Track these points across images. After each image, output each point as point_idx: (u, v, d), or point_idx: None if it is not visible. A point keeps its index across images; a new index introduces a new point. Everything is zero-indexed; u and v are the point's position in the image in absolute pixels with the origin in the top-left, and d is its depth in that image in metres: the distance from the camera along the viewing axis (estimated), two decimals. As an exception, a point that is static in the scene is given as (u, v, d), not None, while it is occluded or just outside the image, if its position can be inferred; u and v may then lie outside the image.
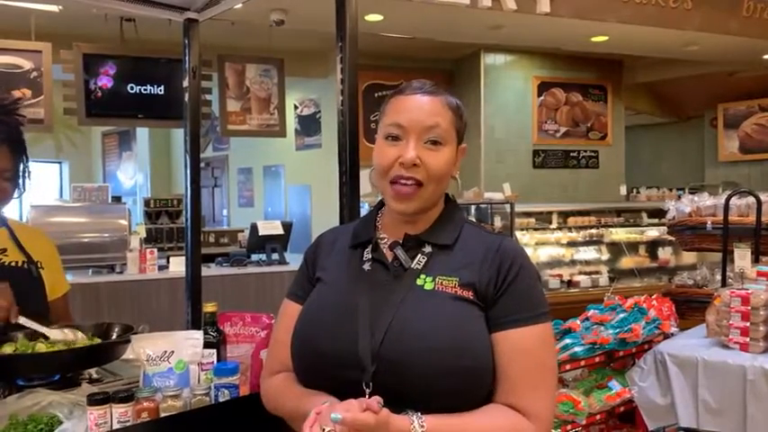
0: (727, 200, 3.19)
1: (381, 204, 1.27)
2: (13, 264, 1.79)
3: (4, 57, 4.72)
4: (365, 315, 1.11)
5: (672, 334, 2.81)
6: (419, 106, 1.15)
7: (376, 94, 6.85)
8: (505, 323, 1.12)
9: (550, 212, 5.95)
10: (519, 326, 1.11)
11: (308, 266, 1.28)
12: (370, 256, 1.20)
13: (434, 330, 1.08)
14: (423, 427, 1.00)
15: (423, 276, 1.14)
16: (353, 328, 1.10)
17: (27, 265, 1.81)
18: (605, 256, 6.01)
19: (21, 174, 1.80)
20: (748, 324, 2.42)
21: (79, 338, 1.63)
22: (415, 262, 1.16)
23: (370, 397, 1.05)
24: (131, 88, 5.20)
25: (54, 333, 1.62)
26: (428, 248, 1.18)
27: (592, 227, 5.98)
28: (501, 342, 1.11)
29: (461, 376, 1.06)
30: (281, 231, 5.53)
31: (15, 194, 1.81)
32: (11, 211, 1.90)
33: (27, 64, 4.78)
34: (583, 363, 2.59)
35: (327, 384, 1.11)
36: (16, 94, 4.69)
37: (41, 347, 1.59)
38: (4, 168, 1.75)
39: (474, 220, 5.66)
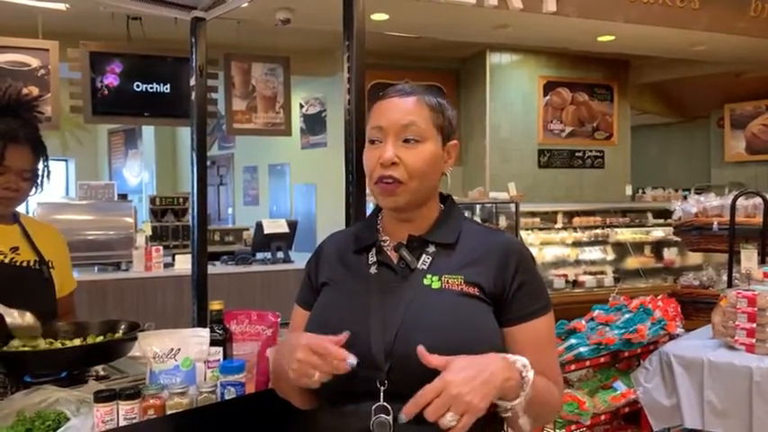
0: (734, 200, 3.19)
1: (381, 207, 1.29)
2: (24, 263, 1.79)
3: (11, 55, 4.75)
4: (376, 316, 1.13)
5: (677, 335, 2.80)
6: (395, 107, 1.19)
7: (381, 93, 6.84)
8: (522, 317, 1.17)
9: (555, 212, 5.94)
10: (534, 317, 1.18)
11: (311, 277, 1.30)
12: (375, 259, 1.22)
13: (444, 327, 1.10)
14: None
15: (429, 276, 1.17)
16: (366, 329, 1.12)
17: (39, 265, 1.81)
18: (610, 256, 5.99)
19: (41, 173, 1.80)
20: (754, 325, 2.41)
21: (33, 324, 1.61)
22: (420, 262, 1.19)
23: (384, 395, 1.08)
24: (137, 86, 5.22)
25: (10, 314, 1.60)
26: (432, 248, 1.20)
27: (597, 227, 5.97)
28: (520, 334, 1.17)
29: None
30: (286, 230, 5.53)
31: (32, 192, 1.82)
32: (19, 207, 1.91)
33: (34, 62, 4.80)
34: (588, 363, 2.59)
35: (342, 384, 1.12)
36: (29, 92, 4.72)
37: (48, 345, 1.60)
38: (25, 168, 1.75)
39: (479, 219, 5.66)
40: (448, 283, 1.15)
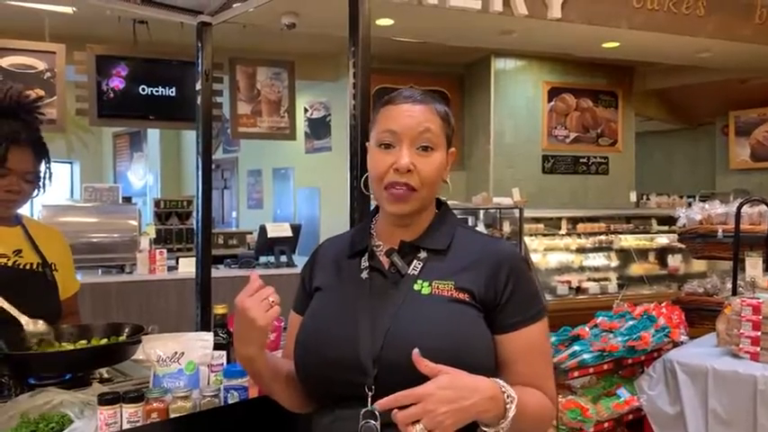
0: (739, 208, 3.17)
1: (375, 212, 1.30)
2: (28, 266, 1.79)
3: (18, 57, 4.77)
4: (365, 321, 1.14)
5: (681, 342, 2.79)
6: (410, 114, 1.18)
7: (387, 98, 6.83)
8: (513, 324, 1.16)
9: (560, 218, 5.93)
10: (526, 325, 1.17)
11: (305, 282, 1.31)
12: (367, 265, 1.22)
13: (432, 332, 1.10)
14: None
15: (420, 282, 1.17)
16: (355, 334, 1.13)
17: (42, 267, 1.81)
18: (614, 262, 5.98)
19: (43, 175, 1.80)
20: (759, 333, 2.41)
21: (46, 331, 1.64)
22: (411, 268, 1.19)
23: (372, 400, 1.07)
24: (143, 90, 5.24)
25: (26, 321, 1.62)
26: (423, 254, 1.20)
27: (601, 233, 5.95)
28: (511, 342, 1.16)
29: None
30: (289, 234, 5.54)
31: (34, 194, 1.82)
32: (21, 210, 1.91)
33: (41, 65, 4.82)
34: (591, 370, 2.58)
35: (331, 389, 1.14)
36: (30, 94, 4.74)
37: (53, 347, 1.61)
38: (27, 170, 1.75)
39: (483, 224, 5.66)
40: (438, 288, 1.15)
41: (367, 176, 1.26)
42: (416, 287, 1.16)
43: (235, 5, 2.19)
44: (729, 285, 3.20)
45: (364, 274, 1.21)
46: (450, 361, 1.05)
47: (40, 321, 1.64)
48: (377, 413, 1.06)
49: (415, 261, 1.19)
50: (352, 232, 1.33)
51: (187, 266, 4.85)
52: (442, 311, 1.13)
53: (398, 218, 1.21)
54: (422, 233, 1.22)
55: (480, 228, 5.46)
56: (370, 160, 1.22)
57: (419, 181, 1.16)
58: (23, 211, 1.92)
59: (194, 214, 2.46)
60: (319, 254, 1.33)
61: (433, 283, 1.16)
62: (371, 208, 1.34)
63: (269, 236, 5.46)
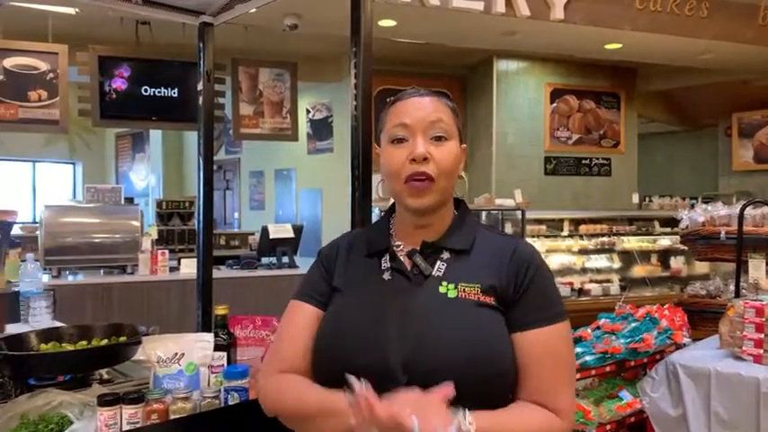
0: (742, 209, 3.16)
1: (392, 211, 1.27)
2: None
3: (21, 58, 4.78)
4: (393, 325, 1.10)
5: (684, 344, 2.78)
6: (420, 106, 1.18)
7: (388, 99, 6.84)
8: (527, 324, 1.13)
9: (562, 220, 5.93)
10: (540, 326, 1.12)
11: (326, 270, 1.24)
12: (389, 265, 1.19)
13: (463, 339, 1.08)
14: (472, 424, 0.99)
15: (444, 284, 1.14)
16: (382, 340, 1.09)
17: None
18: (617, 264, 5.97)
19: None
20: (762, 336, 2.40)
21: None
22: (435, 269, 1.16)
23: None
24: (145, 90, 5.25)
25: None
26: (446, 255, 1.18)
27: (603, 235, 5.95)
28: (523, 342, 1.12)
29: (491, 382, 1.07)
30: (291, 235, 5.54)
31: None
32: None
33: (43, 65, 4.83)
34: (593, 372, 2.57)
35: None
36: (32, 95, 4.75)
37: (53, 348, 1.60)
38: None
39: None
40: (465, 291, 1.12)
41: (381, 182, 1.23)
42: (442, 289, 1.13)
43: (236, 6, 2.19)
44: (732, 287, 3.19)
45: (386, 276, 1.17)
46: (480, 367, 1.05)
47: None
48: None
49: (438, 262, 1.17)
50: (368, 231, 1.29)
51: (189, 267, 4.85)
52: (470, 317, 1.10)
53: (419, 215, 1.18)
54: (443, 233, 1.20)
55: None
56: (385, 157, 1.20)
57: (436, 170, 1.14)
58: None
59: (196, 215, 2.45)
60: (341, 247, 1.27)
61: (459, 286, 1.13)
62: (378, 210, 1.32)
63: (271, 237, 5.45)
